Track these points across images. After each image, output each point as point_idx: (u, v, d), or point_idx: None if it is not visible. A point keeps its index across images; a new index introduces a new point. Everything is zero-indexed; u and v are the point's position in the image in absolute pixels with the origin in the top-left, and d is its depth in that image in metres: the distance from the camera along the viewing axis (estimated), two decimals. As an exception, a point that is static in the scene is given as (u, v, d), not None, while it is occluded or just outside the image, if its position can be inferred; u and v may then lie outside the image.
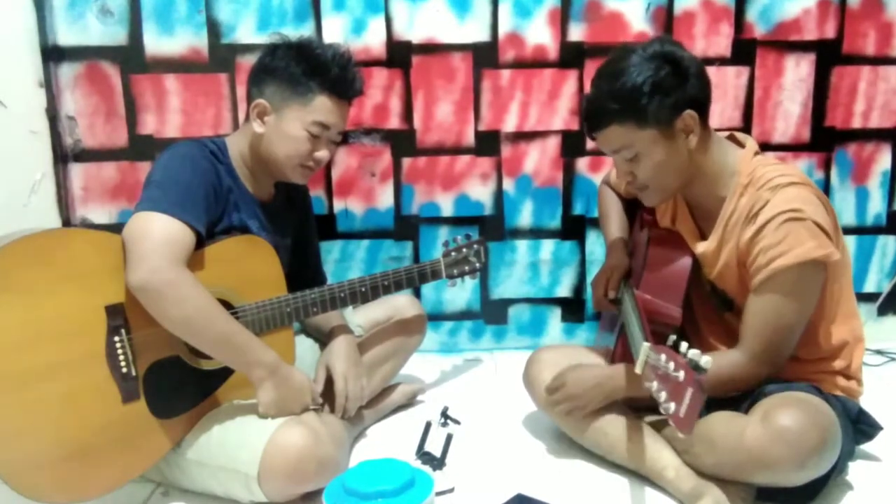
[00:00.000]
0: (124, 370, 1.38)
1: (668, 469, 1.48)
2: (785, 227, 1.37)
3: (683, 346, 1.14)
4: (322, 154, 1.60)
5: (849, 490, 1.51)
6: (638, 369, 1.29)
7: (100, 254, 1.38)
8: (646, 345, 1.27)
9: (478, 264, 1.84)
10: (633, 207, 1.82)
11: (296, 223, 1.78)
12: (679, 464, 1.47)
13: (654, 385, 1.18)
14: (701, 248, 1.53)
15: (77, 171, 2.15)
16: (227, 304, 1.49)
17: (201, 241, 1.45)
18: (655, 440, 1.53)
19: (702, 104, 1.44)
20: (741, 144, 1.52)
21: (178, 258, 1.37)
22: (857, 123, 2.25)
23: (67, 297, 1.33)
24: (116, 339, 1.37)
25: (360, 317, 1.87)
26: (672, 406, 1.11)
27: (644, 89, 1.37)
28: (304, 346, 1.77)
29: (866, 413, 1.52)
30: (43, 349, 1.30)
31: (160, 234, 1.37)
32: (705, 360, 1.09)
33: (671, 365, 1.13)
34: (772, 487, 1.40)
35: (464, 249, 1.82)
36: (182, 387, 1.47)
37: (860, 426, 1.51)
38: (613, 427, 1.56)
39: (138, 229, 1.38)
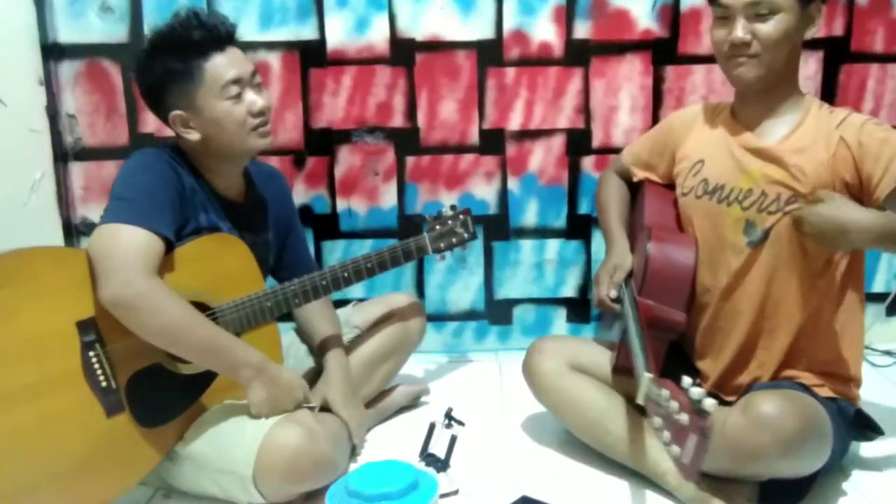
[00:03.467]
0: (104, 384, 1.35)
1: (668, 474, 1.47)
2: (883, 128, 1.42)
3: (686, 380, 1.09)
4: (254, 99, 1.49)
5: (852, 492, 1.50)
6: (640, 399, 1.26)
7: (64, 270, 1.35)
8: (647, 376, 1.23)
9: (465, 235, 1.76)
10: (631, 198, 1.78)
11: (274, 216, 1.71)
12: None
13: (657, 421, 1.15)
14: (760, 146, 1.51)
15: (77, 170, 2.14)
16: (203, 306, 1.45)
17: (171, 246, 1.42)
18: (657, 441, 1.51)
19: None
20: None
21: (148, 268, 1.34)
22: (865, 122, 2.23)
23: (36, 318, 1.30)
24: (91, 353, 1.34)
25: (358, 317, 1.85)
26: (675, 449, 1.07)
27: None
28: (287, 340, 1.72)
29: (866, 416, 1.51)
30: (18, 373, 1.27)
31: (127, 245, 1.33)
32: (709, 402, 1.03)
33: (674, 405, 1.09)
34: (774, 490, 1.38)
35: (449, 221, 1.74)
36: (167, 394, 1.44)
37: (861, 428, 1.49)
38: (616, 425, 1.55)
39: (104, 243, 1.34)
